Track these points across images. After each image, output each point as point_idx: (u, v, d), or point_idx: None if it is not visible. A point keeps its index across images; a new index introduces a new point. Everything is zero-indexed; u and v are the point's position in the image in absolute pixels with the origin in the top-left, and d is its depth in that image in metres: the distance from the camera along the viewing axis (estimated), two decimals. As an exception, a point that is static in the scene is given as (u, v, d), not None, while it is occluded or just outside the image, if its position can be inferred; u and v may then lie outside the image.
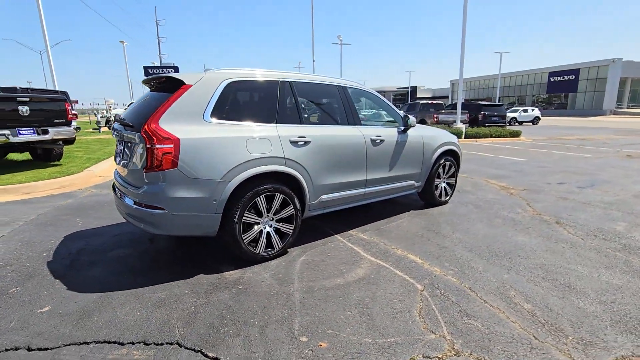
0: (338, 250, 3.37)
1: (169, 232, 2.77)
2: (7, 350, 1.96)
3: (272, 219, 3.13)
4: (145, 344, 2.03)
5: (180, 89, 2.76)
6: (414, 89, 69.10)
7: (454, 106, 18.76)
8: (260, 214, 3.04)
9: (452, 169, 4.99)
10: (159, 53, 48.67)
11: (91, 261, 3.10)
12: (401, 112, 4.32)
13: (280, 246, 3.18)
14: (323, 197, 3.47)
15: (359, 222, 4.21)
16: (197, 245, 3.45)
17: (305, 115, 3.43)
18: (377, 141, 3.88)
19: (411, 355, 1.95)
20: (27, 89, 9.75)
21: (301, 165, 3.20)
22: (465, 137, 15.29)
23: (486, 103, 19.07)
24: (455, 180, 5.12)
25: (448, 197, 5.06)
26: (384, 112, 4.47)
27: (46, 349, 1.98)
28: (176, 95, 2.73)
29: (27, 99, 6.23)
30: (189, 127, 2.69)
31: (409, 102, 26.16)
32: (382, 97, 4.35)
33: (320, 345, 2.03)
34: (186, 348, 2.00)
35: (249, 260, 3.05)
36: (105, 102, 26.78)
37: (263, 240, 3.07)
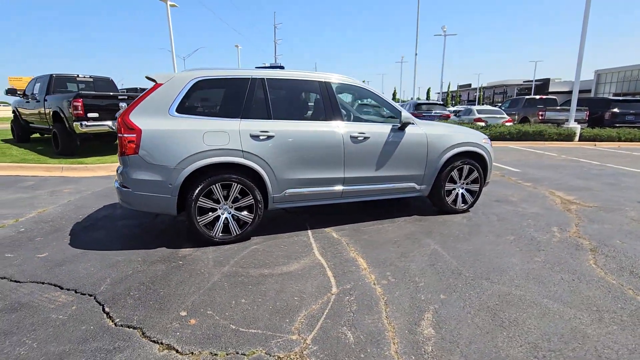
0: (295, 244, 3.42)
1: (136, 208, 3.30)
2: (-1, 278, 2.73)
3: (231, 206, 3.38)
4: (75, 291, 2.55)
5: (153, 87, 3.23)
6: (545, 82, 59.23)
7: (589, 101, 15.49)
8: (217, 201, 3.33)
9: (474, 174, 4.37)
10: (275, 54, 53.30)
11: (102, 226, 3.89)
12: (400, 108, 4.02)
13: (237, 232, 3.41)
14: (289, 190, 3.55)
15: (344, 220, 4.11)
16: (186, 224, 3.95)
17: (277, 111, 3.54)
18: (360, 138, 3.72)
19: (255, 349, 1.97)
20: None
21: (262, 159, 3.35)
22: (579, 140, 12.69)
23: (619, 98, 15.21)
24: (480, 187, 4.47)
25: (466, 206, 4.46)
26: (383, 109, 4.21)
27: (17, 281, 2.67)
28: (148, 92, 3.21)
29: (126, 97, 7.89)
30: (154, 120, 3.14)
31: (510, 97, 22.71)
32: (377, 92, 4.10)
33: (190, 321, 2.21)
34: (96, 300, 2.43)
35: (207, 242, 3.37)
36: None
37: (220, 225, 3.36)
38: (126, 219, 4.10)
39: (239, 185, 3.32)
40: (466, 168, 4.32)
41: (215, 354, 1.92)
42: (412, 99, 32.43)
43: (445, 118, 14.87)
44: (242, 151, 3.28)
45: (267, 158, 3.38)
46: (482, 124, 14.17)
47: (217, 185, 3.26)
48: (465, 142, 4.27)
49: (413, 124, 4.03)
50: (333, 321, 2.22)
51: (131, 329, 2.13)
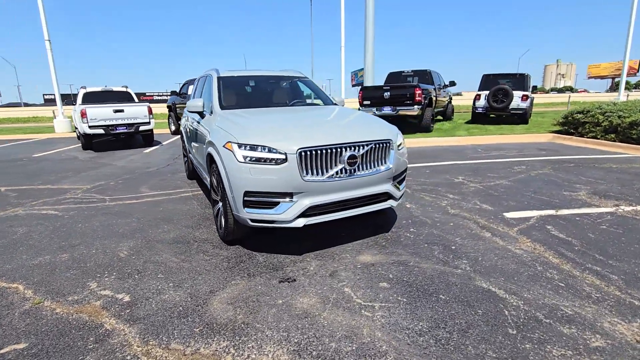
0: (175, 185, 5.03)
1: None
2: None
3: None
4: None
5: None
6: None
7: None
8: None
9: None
10: None
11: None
12: (212, 98, 3.71)
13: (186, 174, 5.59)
14: (190, 155, 5.03)
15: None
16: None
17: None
18: (194, 124, 4.21)
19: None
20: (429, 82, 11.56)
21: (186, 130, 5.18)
22: None
23: None
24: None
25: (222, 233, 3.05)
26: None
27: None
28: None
29: (388, 88, 9.44)
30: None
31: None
32: (211, 84, 3.88)
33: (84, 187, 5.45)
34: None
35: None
36: None
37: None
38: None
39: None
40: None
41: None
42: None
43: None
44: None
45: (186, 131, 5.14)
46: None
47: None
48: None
49: (212, 113, 3.62)
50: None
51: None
